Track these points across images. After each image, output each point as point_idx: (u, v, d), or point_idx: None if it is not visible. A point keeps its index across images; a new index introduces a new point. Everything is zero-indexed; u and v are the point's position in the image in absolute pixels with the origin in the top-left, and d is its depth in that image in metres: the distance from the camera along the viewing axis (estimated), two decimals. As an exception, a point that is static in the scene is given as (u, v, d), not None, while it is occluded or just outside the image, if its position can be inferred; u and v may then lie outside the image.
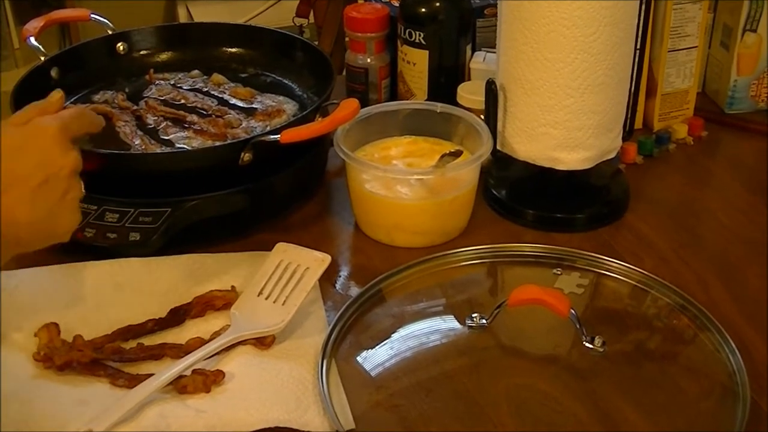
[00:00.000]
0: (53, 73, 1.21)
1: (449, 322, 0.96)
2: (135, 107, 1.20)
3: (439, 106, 1.14)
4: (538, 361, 0.92)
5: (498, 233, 1.09)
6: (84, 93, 1.23)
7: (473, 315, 0.93)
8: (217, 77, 1.26)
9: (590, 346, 0.89)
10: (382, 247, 1.07)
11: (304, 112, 1.12)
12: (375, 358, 0.91)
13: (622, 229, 1.10)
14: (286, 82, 1.26)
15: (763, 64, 1.32)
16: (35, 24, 1.25)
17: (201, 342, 0.90)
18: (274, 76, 1.28)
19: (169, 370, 0.86)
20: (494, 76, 1.10)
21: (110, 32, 1.30)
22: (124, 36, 1.30)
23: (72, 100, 1.21)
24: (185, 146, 1.12)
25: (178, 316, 0.95)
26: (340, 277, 1.03)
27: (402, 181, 1.06)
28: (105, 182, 1.03)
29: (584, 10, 1.00)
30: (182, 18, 2.51)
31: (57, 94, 0.88)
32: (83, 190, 0.84)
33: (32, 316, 0.93)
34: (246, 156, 1.02)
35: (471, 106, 1.16)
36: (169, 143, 1.13)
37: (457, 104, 1.18)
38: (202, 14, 2.46)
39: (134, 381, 0.86)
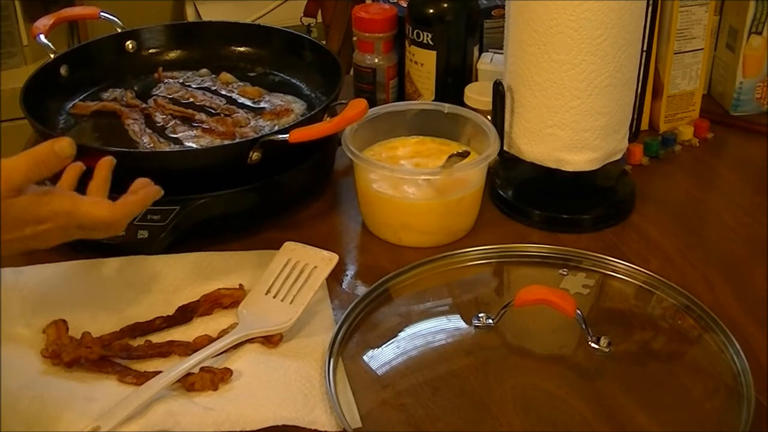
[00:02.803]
0: (62, 70, 1.22)
1: (456, 322, 0.97)
2: (144, 105, 1.20)
3: (447, 107, 1.14)
4: (544, 360, 0.92)
5: (504, 233, 1.09)
6: (93, 91, 1.24)
7: (480, 315, 0.94)
8: (226, 76, 1.27)
9: (596, 346, 0.89)
10: (389, 246, 1.08)
11: (313, 112, 1.12)
12: (382, 357, 0.91)
13: (628, 230, 1.11)
14: (294, 81, 1.27)
15: (769, 66, 1.32)
16: (45, 21, 1.25)
17: (209, 340, 0.91)
18: (282, 75, 1.28)
19: (177, 367, 0.86)
20: (501, 77, 1.11)
21: (119, 30, 1.30)
22: (133, 34, 1.30)
23: (81, 97, 1.22)
24: (194, 145, 1.12)
25: (186, 313, 0.95)
26: (347, 276, 1.03)
27: (409, 181, 1.07)
28: (113, 180, 1.03)
29: (592, 11, 1.00)
30: (190, 17, 2.51)
31: None
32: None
33: (40, 313, 0.93)
34: (255, 155, 1.03)
35: (478, 107, 1.17)
36: (177, 141, 1.13)
37: (464, 105, 1.18)
38: (210, 13, 2.46)
39: (142, 378, 0.86)
